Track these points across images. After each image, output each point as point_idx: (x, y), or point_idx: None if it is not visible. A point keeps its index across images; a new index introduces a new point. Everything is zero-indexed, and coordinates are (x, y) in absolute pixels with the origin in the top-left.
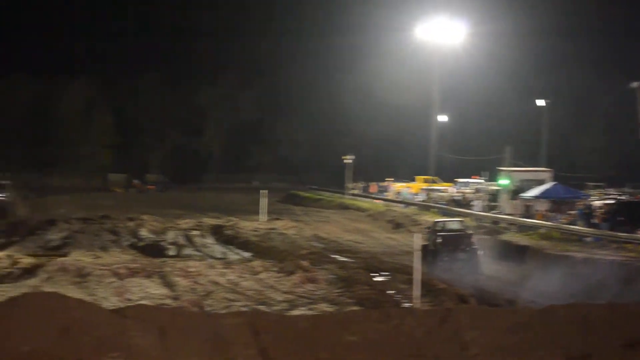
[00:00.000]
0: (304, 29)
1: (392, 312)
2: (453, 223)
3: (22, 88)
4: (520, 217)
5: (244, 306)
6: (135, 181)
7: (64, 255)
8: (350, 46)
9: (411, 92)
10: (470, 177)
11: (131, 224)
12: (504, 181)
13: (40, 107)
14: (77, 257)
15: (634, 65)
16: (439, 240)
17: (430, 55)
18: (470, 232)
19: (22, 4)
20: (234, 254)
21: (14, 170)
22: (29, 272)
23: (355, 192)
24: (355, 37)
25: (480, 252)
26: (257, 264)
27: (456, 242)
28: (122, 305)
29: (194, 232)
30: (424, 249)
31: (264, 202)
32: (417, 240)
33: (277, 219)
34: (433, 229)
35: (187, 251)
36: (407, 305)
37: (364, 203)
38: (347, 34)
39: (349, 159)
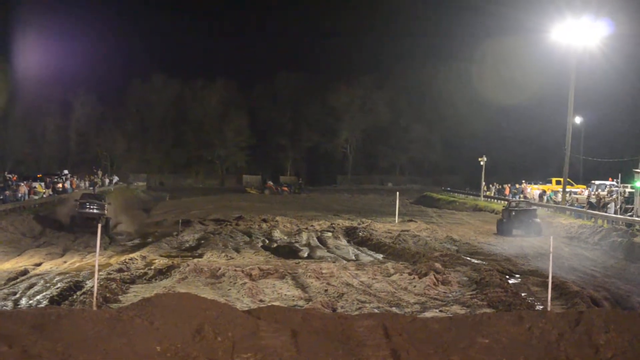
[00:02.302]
0: (438, 31)
1: (524, 314)
2: (522, 203)
3: (160, 90)
4: None
5: (376, 308)
6: (270, 182)
7: (198, 256)
8: (484, 47)
9: (545, 93)
10: (607, 179)
11: (265, 225)
12: (638, 183)
13: (177, 109)
14: (211, 258)
15: None
16: (512, 214)
17: (565, 56)
18: (534, 209)
19: (158, 7)
20: (367, 256)
21: (152, 171)
22: (163, 273)
23: (489, 194)
24: (489, 39)
25: (540, 222)
26: (389, 265)
27: (523, 215)
28: (254, 306)
29: (327, 234)
30: (499, 222)
31: (397, 203)
32: (552, 243)
33: (411, 220)
34: (507, 208)
35: (320, 253)
36: (539, 308)
37: (498, 205)
38: (481, 36)
39: (482, 160)
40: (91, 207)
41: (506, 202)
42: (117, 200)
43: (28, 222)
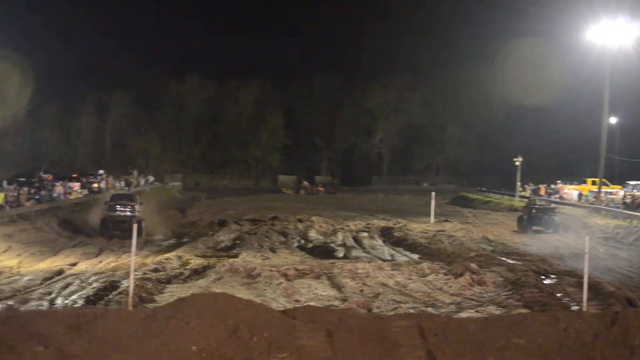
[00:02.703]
0: (473, 31)
1: (560, 315)
2: (541, 202)
3: (195, 91)
4: None
5: (411, 308)
6: (305, 183)
7: (234, 256)
8: (519, 47)
9: (581, 93)
10: None
11: (300, 225)
12: None
13: (213, 109)
14: (247, 258)
15: None
16: (533, 211)
17: (600, 56)
18: (553, 207)
19: (194, 7)
20: (402, 256)
21: (187, 172)
22: (199, 272)
23: (525, 194)
24: (524, 38)
25: (558, 220)
26: (425, 266)
27: (542, 213)
28: (290, 306)
29: (363, 234)
30: (520, 219)
31: (432, 204)
32: (588, 243)
33: (446, 220)
34: (528, 205)
35: (356, 253)
36: (575, 308)
37: None
38: (515, 35)
39: (518, 161)
40: (122, 209)
41: (527, 200)
42: (152, 200)
43: (63, 223)
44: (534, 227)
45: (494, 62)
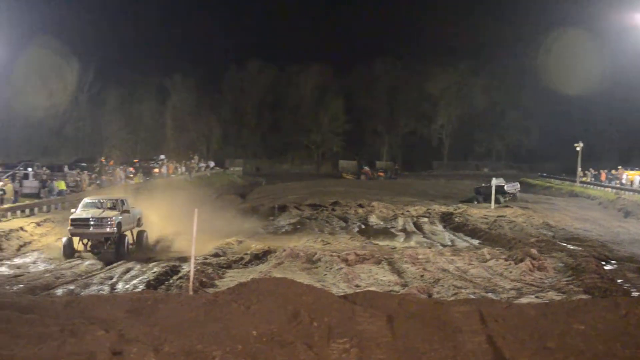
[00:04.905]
0: (535, 17)
1: (620, 301)
2: (499, 181)
3: (256, 75)
4: None
5: (472, 294)
6: (365, 168)
7: (295, 241)
8: (581, 33)
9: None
10: None
11: (361, 210)
12: None
13: (273, 94)
14: (307, 243)
15: None
16: (494, 189)
17: None
18: (503, 184)
19: None
20: (463, 241)
21: (248, 157)
22: (259, 257)
23: (586, 179)
24: (587, 23)
25: (516, 194)
26: (485, 251)
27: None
28: (350, 291)
29: (423, 219)
30: (477, 197)
31: (492, 189)
32: None
33: (507, 206)
34: (486, 185)
35: (416, 238)
36: (635, 294)
37: (594, 191)
38: (578, 21)
39: (579, 146)
40: (93, 223)
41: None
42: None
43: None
44: (498, 203)
45: (555, 47)
